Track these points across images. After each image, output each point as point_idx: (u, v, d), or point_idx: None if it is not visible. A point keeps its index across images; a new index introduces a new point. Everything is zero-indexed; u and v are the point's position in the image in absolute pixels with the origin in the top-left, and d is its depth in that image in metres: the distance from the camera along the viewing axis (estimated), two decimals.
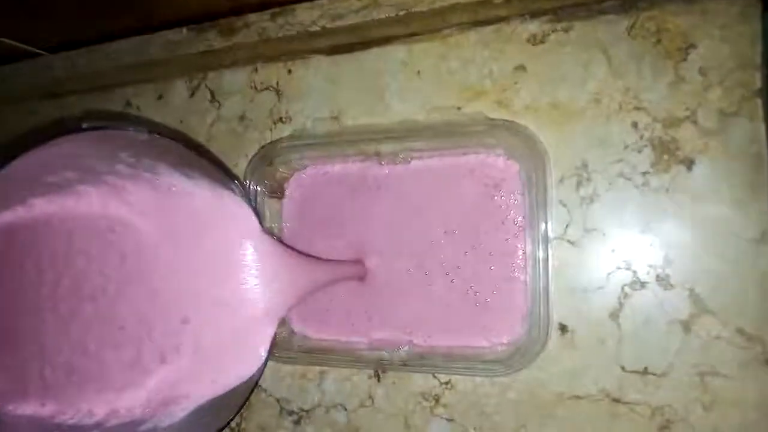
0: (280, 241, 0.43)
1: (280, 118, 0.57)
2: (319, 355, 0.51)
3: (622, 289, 0.47)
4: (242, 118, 0.59)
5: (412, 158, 0.50)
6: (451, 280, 0.49)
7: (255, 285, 0.43)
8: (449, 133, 0.48)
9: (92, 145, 0.38)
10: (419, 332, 0.50)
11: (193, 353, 0.43)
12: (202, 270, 0.43)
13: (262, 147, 0.54)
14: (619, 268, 0.47)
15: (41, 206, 0.43)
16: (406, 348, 0.49)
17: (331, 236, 0.54)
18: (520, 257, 0.47)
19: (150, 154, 0.40)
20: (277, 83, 0.57)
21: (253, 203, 0.43)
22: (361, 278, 0.52)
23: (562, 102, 0.48)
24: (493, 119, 0.48)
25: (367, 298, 0.51)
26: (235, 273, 0.43)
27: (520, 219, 0.47)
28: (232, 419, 0.39)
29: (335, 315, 0.53)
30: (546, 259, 0.45)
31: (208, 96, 0.60)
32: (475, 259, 0.48)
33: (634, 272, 0.46)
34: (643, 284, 0.46)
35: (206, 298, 0.43)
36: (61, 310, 0.43)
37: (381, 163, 0.51)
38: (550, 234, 0.46)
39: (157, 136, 0.38)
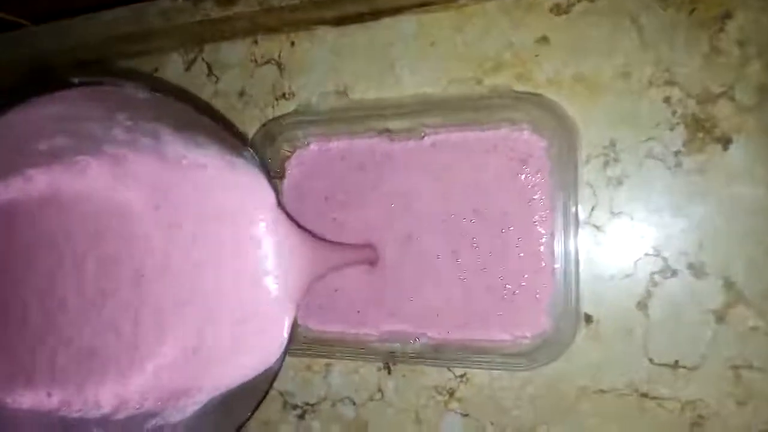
0: (293, 219, 0.39)
1: (283, 94, 0.53)
2: (325, 347, 0.48)
3: (651, 276, 0.44)
4: (242, 93, 0.55)
5: (426, 134, 0.47)
6: (480, 268, 0.46)
7: (271, 267, 0.39)
8: (469, 107, 0.44)
9: (85, 104, 0.34)
10: (435, 324, 0.46)
11: (205, 338, 0.40)
12: (215, 251, 0.40)
13: (264, 125, 0.50)
14: (647, 254, 0.44)
15: (40, 179, 0.40)
16: (422, 341, 0.46)
17: (335, 218, 0.50)
18: (550, 243, 0.43)
19: (152, 116, 0.36)
20: (279, 56, 0.54)
21: (267, 172, 0.39)
22: (373, 263, 0.49)
23: (587, 76, 0.45)
24: (518, 92, 0.45)
25: (377, 286, 0.48)
26: (251, 254, 0.39)
27: (548, 200, 0.43)
28: (248, 419, 0.35)
29: (342, 304, 0.49)
30: (577, 246, 0.42)
31: (205, 70, 0.56)
32: (502, 244, 0.45)
33: (664, 259, 0.43)
34: (673, 272, 0.43)
35: (219, 281, 0.40)
36: (74, 295, 0.40)
37: (392, 139, 0.47)
38: (581, 217, 0.43)
39: (160, 94, 0.34)
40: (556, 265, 0.42)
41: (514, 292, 0.44)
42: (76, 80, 0.32)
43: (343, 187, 0.50)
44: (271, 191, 0.39)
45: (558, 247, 0.42)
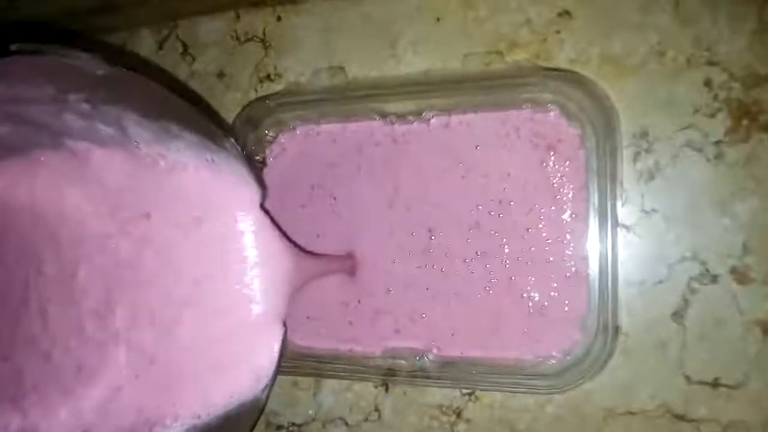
0: (275, 222, 0.33)
1: (268, 75, 0.47)
2: (315, 363, 0.42)
3: (689, 283, 0.39)
4: (221, 75, 0.49)
5: (433, 116, 0.41)
6: (504, 277, 0.40)
7: (254, 279, 0.34)
8: (484, 86, 0.39)
9: (28, 81, 0.28)
10: (447, 341, 0.41)
11: (174, 358, 0.34)
12: (191, 267, 0.34)
13: (246, 106, 0.44)
14: (684, 258, 0.39)
15: None
16: (429, 358, 0.40)
17: (325, 208, 0.44)
18: (581, 245, 0.38)
19: (114, 98, 0.30)
20: (264, 33, 0.48)
21: (252, 165, 0.34)
22: (351, 274, 0.43)
23: (616, 55, 0.40)
24: (547, 69, 0.39)
25: (374, 295, 0.42)
26: (232, 265, 0.34)
27: (580, 194, 0.38)
28: None
29: (335, 315, 0.43)
30: (615, 250, 0.36)
31: (180, 48, 0.50)
32: (527, 248, 0.39)
33: (703, 263, 0.38)
34: (714, 277, 0.38)
35: (194, 300, 0.34)
36: (24, 306, 0.36)
37: (392, 122, 0.42)
38: (621, 216, 0.38)
39: (123, 69, 0.28)
40: (589, 271, 0.37)
41: (542, 304, 0.39)
42: (14, 47, 0.26)
43: (334, 176, 0.44)
44: (256, 191, 0.34)
45: (592, 251, 0.37)
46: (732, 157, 0.38)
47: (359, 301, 0.43)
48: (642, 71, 0.39)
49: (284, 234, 0.35)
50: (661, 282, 0.39)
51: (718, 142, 0.38)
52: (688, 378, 0.39)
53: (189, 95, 0.48)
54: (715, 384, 0.38)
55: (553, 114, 0.38)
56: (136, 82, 0.30)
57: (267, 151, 0.45)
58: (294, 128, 0.44)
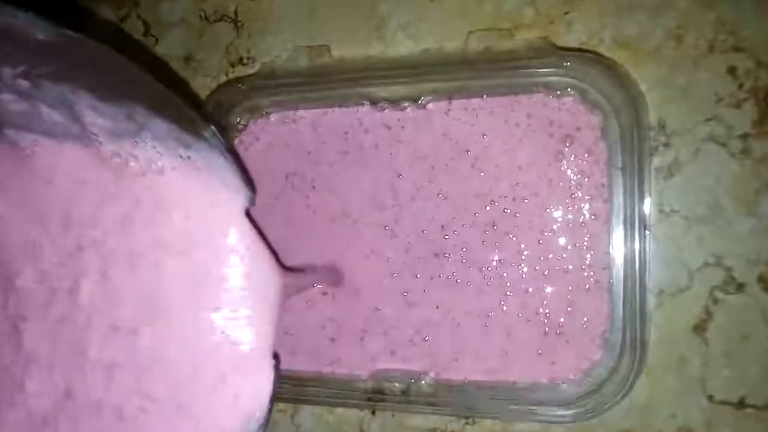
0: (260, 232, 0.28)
1: (240, 59, 0.42)
2: (291, 386, 0.37)
3: (711, 292, 0.35)
4: (188, 59, 0.44)
5: (429, 100, 0.36)
6: (516, 292, 0.35)
7: (240, 308, 0.28)
8: (494, 68, 0.34)
9: None
10: (445, 365, 0.36)
11: (146, 407, 0.29)
12: (162, 297, 0.29)
13: (214, 91, 0.39)
14: (707, 263, 0.35)
15: None
16: (426, 381, 0.36)
17: (301, 202, 0.39)
18: (603, 251, 0.34)
19: (62, 72, 0.25)
20: (236, 12, 0.43)
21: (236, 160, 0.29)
22: (336, 283, 0.38)
23: (630, 39, 0.36)
24: (562, 48, 0.35)
25: (364, 311, 0.38)
26: (216, 295, 0.29)
27: (601, 192, 0.33)
28: None
29: (312, 333, 0.38)
30: (644, 258, 0.32)
31: (141, 29, 0.45)
32: (542, 255, 0.34)
33: (728, 269, 0.35)
34: (739, 286, 0.35)
35: (169, 340, 0.29)
36: None
37: (383, 109, 0.37)
38: (648, 215, 0.33)
39: (75, 34, 0.23)
40: (611, 282, 0.33)
41: (559, 321, 0.34)
42: None
43: (314, 163, 0.39)
44: (244, 198, 0.29)
45: (614, 258, 0.33)
46: (759, 151, 0.34)
47: (343, 317, 0.38)
48: (659, 57, 0.36)
49: (269, 246, 0.30)
50: (681, 291, 0.35)
51: (743, 136, 0.35)
52: (711, 397, 0.35)
53: (157, 69, 0.42)
54: (741, 404, 0.35)
55: (570, 100, 0.34)
56: (89, 50, 0.24)
57: (236, 141, 0.39)
58: (268, 115, 0.39)
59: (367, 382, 0.37)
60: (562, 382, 0.34)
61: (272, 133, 0.39)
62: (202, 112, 0.39)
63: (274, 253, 0.29)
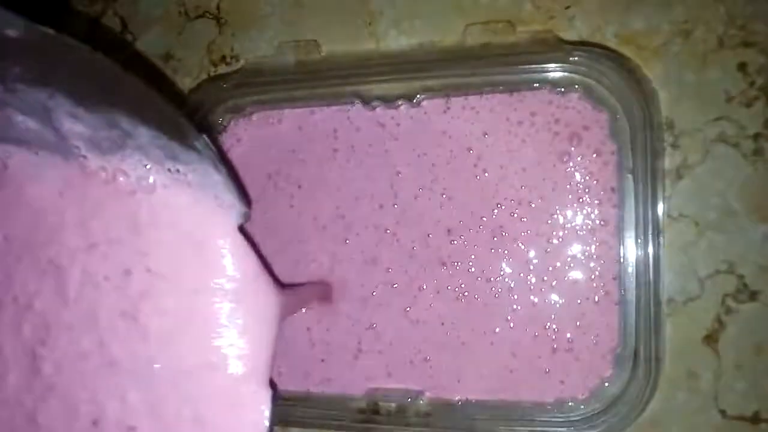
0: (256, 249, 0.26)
1: (223, 57, 0.40)
2: (283, 407, 0.35)
3: (723, 301, 0.33)
4: (167, 57, 0.42)
5: (424, 98, 0.34)
6: (523, 306, 0.33)
7: (234, 335, 0.26)
8: (495, 63, 0.32)
9: None
10: (446, 386, 0.34)
11: None
12: (154, 327, 0.27)
13: (194, 90, 0.37)
14: (718, 271, 0.33)
15: None
16: (424, 399, 0.34)
17: (281, 207, 0.37)
18: (614, 260, 0.32)
19: (37, 73, 0.22)
20: (218, 8, 0.40)
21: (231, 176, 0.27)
22: (326, 298, 0.36)
23: (635, 34, 0.34)
24: (568, 42, 0.33)
25: (355, 329, 0.35)
26: (208, 321, 0.26)
27: (610, 196, 0.31)
28: None
29: (300, 353, 0.36)
30: (657, 267, 0.30)
31: (119, 25, 0.42)
32: (550, 264, 0.32)
33: (740, 277, 0.33)
34: (752, 294, 0.33)
35: (167, 360, 0.27)
36: None
37: (374, 108, 0.35)
38: (662, 221, 0.31)
39: (49, 31, 0.20)
40: (622, 293, 0.31)
41: (566, 337, 0.32)
42: None
43: (299, 162, 0.36)
44: (240, 215, 0.27)
45: (624, 268, 0.31)
46: None
47: (335, 335, 0.36)
48: (666, 53, 0.34)
49: (265, 265, 0.27)
50: (691, 300, 0.33)
51: (755, 136, 0.33)
52: (723, 412, 0.33)
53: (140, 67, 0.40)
54: (756, 419, 0.33)
55: (577, 96, 0.32)
56: (67, 50, 0.22)
57: (214, 141, 0.37)
58: (250, 114, 0.36)
59: (361, 402, 0.35)
60: (570, 402, 0.32)
61: (254, 134, 0.37)
62: (192, 120, 0.37)
63: (270, 271, 0.27)
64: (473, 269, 0.34)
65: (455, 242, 0.34)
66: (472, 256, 0.34)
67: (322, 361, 0.36)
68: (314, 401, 0.35)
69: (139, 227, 0.27)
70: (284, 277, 0.35)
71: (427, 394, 0.34)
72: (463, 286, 0.34)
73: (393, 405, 0.34)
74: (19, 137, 0.26)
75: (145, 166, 0.26)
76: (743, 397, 0.33)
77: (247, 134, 0.36)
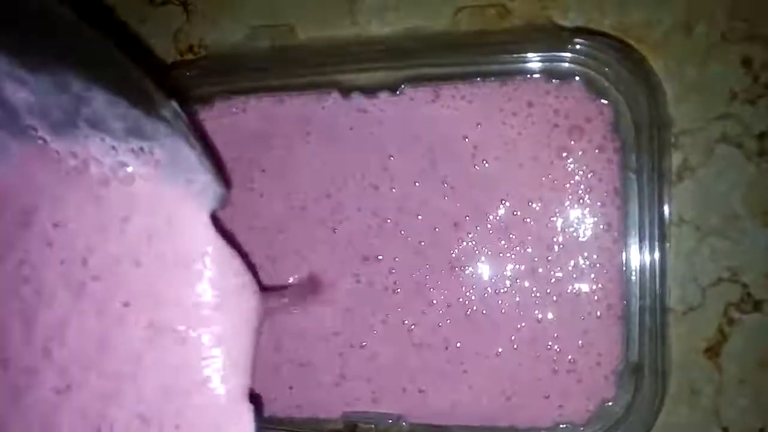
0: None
1: (190, 47, 0.37)
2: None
3: (726, 310, 0.32)
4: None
5: (410, 88, 0.31)
6: (523, 326, 0.30)
7: (210, 342, 0.23)
8: (488, 51, 0.30)
9: None
10: (438, 415, 0.31)
11: None
12: (120, 340, 0.24)
13: (160, 76, 0.34)
14: (721, 279, 0.32)
15: None
16: (408, 422, 0.31)
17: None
18: (617, 269, 0.29)
19: None
20: None
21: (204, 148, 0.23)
22: (313, 301, 0.32)
23: (633, 27, 0.32)
24: (568, 29, 0.31)
25: (336, 350, 0.32)
26: (188, 325, 0.24)
27: (613, 198, 0.29)
28: None
29: (272, 377, 0.33)
30: (663, 277, 0.28)
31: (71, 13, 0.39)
32: (553, 274, 0.30)
33: (744, 286, 0.32)
34: (757, 304, 0.32)
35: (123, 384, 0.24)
36: None
37: (348, 96, 0.32)
38: (668, 226, 0.29)
39: None
40: (626, 306, 0.29)
41: (568, 357, 0.30)
42: None
43: (265, 147, 0.33)
44: (218, 198, 0.24)
45: (629, 278, 0.29)
46: None
47: (312, 356, 0.32)
48: (666, 47, 0.32)
49: (245, 260, 0.25)
50: (692, 309, 0.32)
51: (760, 135, 0.31)
52: (725, 429, 0.32)
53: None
54: None
55: (577, 87, 0.29)
56: None
57: None
58: (213, 104, 0.33)
59: (337, 423, 0.32)
60: (566, 425, 0.30)
61: (216, 125, 0.33)
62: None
63: (251, 269, 0.25)
64: (484, 276, 0.31)
65: (463, 242, 0.31)
66: (482, 260, 0.31)
67: (291, 388, 0.32)
68: (287, 423, 0.32)
69: (108, 230, 0.24)
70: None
71: (413, 420, 0.31)
72: (473, 298, 0.31)
73: (373, 427, 0.31)
74: None
75: (104, 142, 0.23)
76: (746, 413, 0.32)
77: (208, 124, 0.33)
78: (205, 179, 0.23)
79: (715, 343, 0.32)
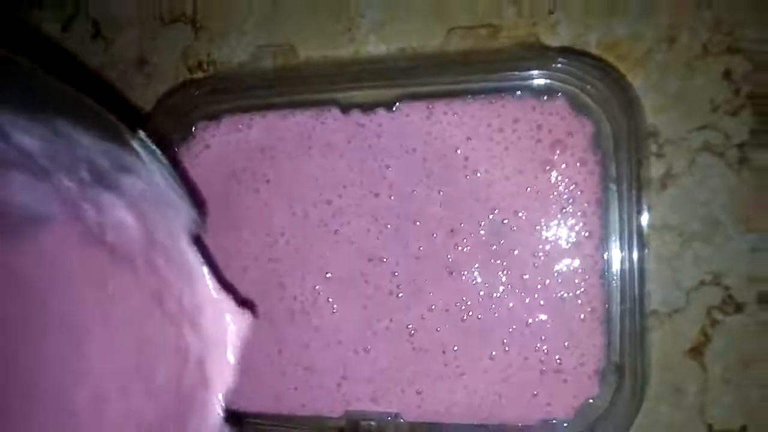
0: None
1: (199, 63, 0.39)
2: (249, 427, 0.34)
3: (709, 312, 0.33)
4: (141, 62, 0.40)
5: (405, 105, 0.33)
6: (514, 329, 0.32)
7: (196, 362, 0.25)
8: (477, 69, 0.32)
9: None
10: (434, 414, 0.33)
11: None
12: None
13: (165, 95, 0.36)
14: (703, 282, 0.33)
15: None
16: (404, 419, 0.33)
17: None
18: (598, 275, 0.31)
19: None
20: (194, 12, 0.39)
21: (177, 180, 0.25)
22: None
23: (619, 41, 0.34)
24: (551, 48, 0.33)
25: (340, 353, 0.34)
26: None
27: (594, 208, 0.31)
28: None
29: (267, 375, 0.35)
30: (642, 282, 0.30)
31: (90, 30, 0.41)
32: (539, 280, 0.31)
33: (726, 289, 0.32)
34: (739, 306, 0.32)
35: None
36: None
37: (347, 112, 0.34)
38: (647, 232, 0.31)
39: None
40: (607, 309, 0.30)
41: (555, 358, 0.31)
42: None
43: (268, 158, 0.35)
44: (186, 219, 0.25)
45: (610, 282, 0.30)
46: (758, 162, 0.32)
47: (315, 359, 0.34)
48: (650, 60, 0.33)
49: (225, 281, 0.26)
50: (676, 311, 0.33)
51: (741, 145, 0.32)
52: (710, 427, 0.33)
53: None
54: None
55: (560, 103, 0.31)
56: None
57: (184, 149, 0.36)
58: (219, 120, 0.35)
59: (339, 421, 0.33)
60: (554, 420, 0.31)
61: (223, 140, 0.35)
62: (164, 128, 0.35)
63: (232, 290, 0.26)
64: (478, 282, 0.32)
65: (459, 248, 0.32)
66: (476, 266, 0.32)
67: (295, 389, 0.34)
68: (289, 420, 0.34)
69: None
70: (257, 277, 0.34)
71: (410, 419, 0.33)
72: (469, 303, 0.33)
73: (372, 423, 0.33)
74: None
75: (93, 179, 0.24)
76: (730, 411, 0.32)
77: (216, 140, 0.35)
78: (180, 205, 0.25)
79: (699, 343, 0.33)
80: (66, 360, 0.26)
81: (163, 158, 0.24)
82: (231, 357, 0.26)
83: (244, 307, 0.27)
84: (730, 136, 0.32)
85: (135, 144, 0.24)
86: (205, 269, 0.25)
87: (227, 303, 0.26)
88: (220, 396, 0.25)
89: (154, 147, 0.24)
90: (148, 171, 0.24)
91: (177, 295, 0.25)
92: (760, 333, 0.32)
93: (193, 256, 0.25)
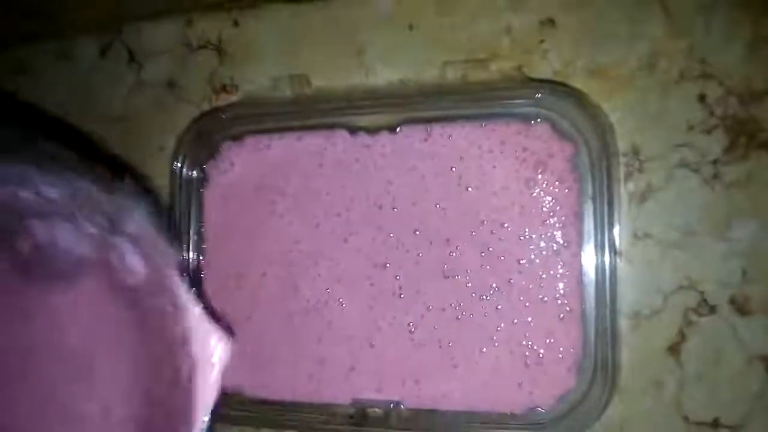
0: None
1: (224, 86, 0.43)
2: (269, 412, 0.38)
3: (685, 314, 0.35)
4: (171, 85, 0.44)
5: (406, 129, 0.37)
6: (505, 323, 0.36)
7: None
8: (470, 98, 0.36)
9: None
10: (430, 399, 0.37)
11: None
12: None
13: (197, 120, 0.40)
14: (681, 287, 0.36)
15: None
16: (404, 406, 0.36)
17: (268, 217, 0.39)
18: (576, 279, 0.34)
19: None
20: (219, 40, 0.43)
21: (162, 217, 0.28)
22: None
23: (604, 67, 0.37)
24: (535, 80, 0.36)
25: (348, 347, 0.38)
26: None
27: (572, 220, 0.34)
28: None
29: (286, 367, 0.39)
30: (614, 284, 0.33)
31: (126, 56, 0.45)
32: (524, 284, 0.35)
33: (701, 293, 0.35)
34: (712, 308, 0.35)
35: None
36: None
37: (355, 134, 0.38)
38: (619, 243, 0.34)
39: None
40: (584, 309, 0.33)
41: (538, 352, 0.35)
42: None
43: (285, 177, 0.39)
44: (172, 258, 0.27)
45: (586, 286, 0.33)
46: (730, 177, 0.35)
47: (326, 353, 0.38)
48: (632, 84, 0.36)
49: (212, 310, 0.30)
50: (656, 313, 0.36)
51: (714, 162, 0.35)
52: (686, 419, 0.35)
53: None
54: (715, 425, 0.35)
55: (543, 129, 0.35)
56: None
57: (210, 166, 0.40)
58: (243, 141, 0.40)
59: (348, 408, 0.37)
60: (538, 408, 0.35)
61: (246, 158, 0.40)
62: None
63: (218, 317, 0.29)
64: (469, 284, 0.36)
65: (453, 254, 0.36)
66: (468, 271, 0.36)
67: (309, 379, 0.38)
68: (301, 406, 0.38)
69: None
70: (275, 280, 0.38)
71: (410, 406, 0.37)
72: (462, 304, 0.36)
73: (377, 410, 0.37)
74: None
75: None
76: (704, 405, 0.35)
77: (239, 159, 0.40)
78: (169, 243, 0.28)
79: (676, 342, 0.35)
80: (76, 382, 0.26)
81: (149, 201, 0.27)
82: (215, 373, 0.29)
83: (227, 332, 0.30)
84: (705, 154, 0.35)
85: (124, 186, 0.27)
86: (194, 299, 0.29)
87: (213, 328, 0.29)
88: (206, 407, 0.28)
89: (140, 190, 0.27)
90: (140, 215, 0.27)
91: (172, 324, 0.28)
92: (731, 332, 0.35)
93: (184, 289, 0.28)
